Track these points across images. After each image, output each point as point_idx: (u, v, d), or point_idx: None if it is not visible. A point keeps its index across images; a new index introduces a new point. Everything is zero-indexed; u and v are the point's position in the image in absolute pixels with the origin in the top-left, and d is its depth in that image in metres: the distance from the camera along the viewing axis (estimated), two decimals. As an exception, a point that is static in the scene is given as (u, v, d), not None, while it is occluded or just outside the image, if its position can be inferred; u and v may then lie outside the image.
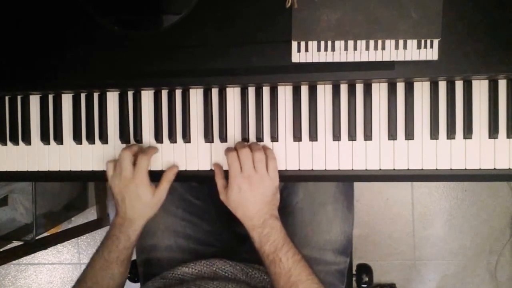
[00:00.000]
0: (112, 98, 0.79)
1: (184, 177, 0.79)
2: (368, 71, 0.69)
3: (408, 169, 0.72)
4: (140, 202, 0.73)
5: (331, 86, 0.74)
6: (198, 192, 0.92)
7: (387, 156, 0.73)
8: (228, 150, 0.72)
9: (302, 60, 0.70)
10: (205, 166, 0.77)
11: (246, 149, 0.70)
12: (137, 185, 0.72)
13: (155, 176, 0.77)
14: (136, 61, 0.75)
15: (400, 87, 0.72)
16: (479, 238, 1.55)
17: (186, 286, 0.71)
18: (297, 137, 0.74)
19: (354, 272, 1.09)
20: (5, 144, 0.83)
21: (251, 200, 0.69)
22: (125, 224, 0.74)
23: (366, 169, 0.73)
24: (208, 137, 0.76)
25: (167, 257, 0.87)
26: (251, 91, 0.75)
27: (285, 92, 0.75)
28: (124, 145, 0.79)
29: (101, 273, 0.73)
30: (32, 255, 1.39)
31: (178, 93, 0.77)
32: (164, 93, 0.78)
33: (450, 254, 1.57)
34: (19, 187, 1.21)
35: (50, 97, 0.81)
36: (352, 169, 0.74)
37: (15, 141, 0.82)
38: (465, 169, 0.71)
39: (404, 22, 0.67)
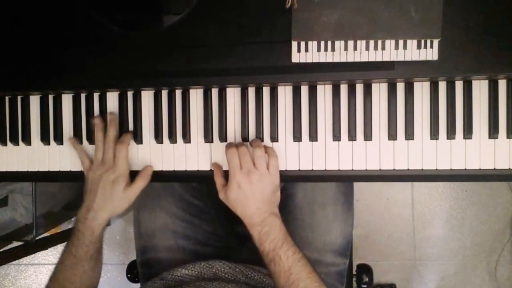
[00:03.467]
0: (112, 98, 0.79)
1: (184, 177, 0.79)
2: (368, 71, 0.69)
3: (408, 169, 0.72)
4: (111, 193, 0.73)
5: (331, 86, 0.74)
6: (198, 192, 0.92)
7: (387, 156, 0.73)
8: (228, 146, 0.72)
9: (302, 60, 0.70)
10: (205, 166, 0.77)
11: (245, 146, 0.70)
12: (115, 174, 0.73)
13: (155, 176, 0.77)
14: (136, 61, 0.75)
15: (400, 87, 0.72)
16: (479, 238, 1.55)
17: (186, 287, 0.71)
18: (297, 137, 0.74)
19: (354, 272, 1.09)
20: (5, 144, 0.83)
21: (251, 197, 0.69)
22: (89, 217, 0.73)
23: (366, 169, 0.73)
24: (208, 137, 0.76)
25: (167, 257, 0.87)
26: (251, 91, 0.75)
27: (285, 92, 0.75)
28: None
29: (72, 270, 0.73)
30: (32, 255, 1.39)
31: (178, 93, 0.77)
32: (164, 93, 0.78)
33: (450, 254, 1.57)
34: (19, 187, 1.21)
35: (50, 97, 0.81)
36: (352, 169, 0.73)
37: (15, 142, 0.82)
38: (465, 169, 0.71)
39: (404, 22, 0.67)
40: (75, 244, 0.73)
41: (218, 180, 0.73)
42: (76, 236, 0.74)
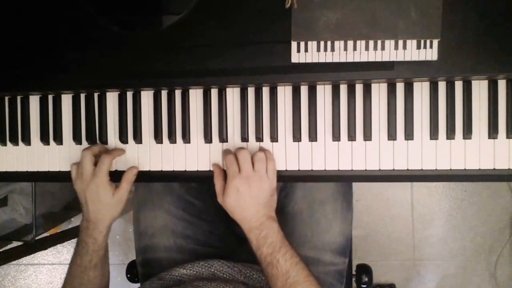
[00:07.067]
0: (112, 98, 0.79)
1: (183, 178, 0.79)
2: (367, 71, 0.69)
3: (407, 169, 0.72)
4: (100, 203, 0.73)
5: (330, 86, 0.73)
6: (197, 192, 0.92)
7: (386, 157, 0.73)
8: (225, 152, 0.72)
9: (302, 60, 0.70)
10: (204, 166, 0.77)
11: (244, 150, 0.70)
12: (97, 186, 0.72)
13: (155, 176, 0.77)
14: (136, 61, 0.75)
15: (400, 87, 0.72)
16: (479, 238, 1.55)
17: (183, 287, 0.71)
18: (296, 137, 0.74)
19: (353, 272, 1.09)
20: (5, 144, 0.83)
21: (249, 201, 0.69)
22: (90, 227, 0.74)
23: (365, 170, 0.73)
24: (207, 137, 0.76)
25: (166, 257, 0.87)
26: (251, 91, 0.75)
27: (284, 93, 0.75)
28: (122, 146, 0.79)
29: (78, 279, 0.75)
30: (32, 255, 1.39)
31: (178, 93, 0.77)
32: (164, 94, 0.78)
33: (450, 254, 1.57)
34: (19, 187, 1.21)
35: (50, 97, 0.81)
36: (352, 169, 0.73)
37: (14, 142, 0.82)
38: (465, 169, 0.71)
39: (403, 22, 0.67)
40: (80, 253, 0.74)
41: (218, 182, 0.73)
42: (81, 245, 0.75)
